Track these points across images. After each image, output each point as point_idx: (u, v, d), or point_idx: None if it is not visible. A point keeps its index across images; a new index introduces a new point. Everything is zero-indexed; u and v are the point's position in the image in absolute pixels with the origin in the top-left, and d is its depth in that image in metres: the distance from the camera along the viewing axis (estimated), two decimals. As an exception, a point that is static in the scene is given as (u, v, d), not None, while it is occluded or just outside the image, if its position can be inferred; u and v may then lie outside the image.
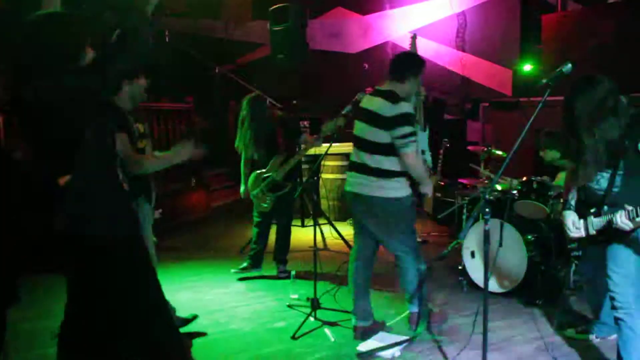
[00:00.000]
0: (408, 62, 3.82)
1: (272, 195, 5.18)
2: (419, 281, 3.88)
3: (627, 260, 3.02)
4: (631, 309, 3.00)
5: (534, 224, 4.67)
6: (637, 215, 2.71)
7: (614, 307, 3.06)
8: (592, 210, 3.07)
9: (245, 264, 5.42)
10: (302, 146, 5.18)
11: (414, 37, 4.59)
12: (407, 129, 3.57)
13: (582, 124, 2.91)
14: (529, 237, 4.55)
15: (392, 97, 3.64)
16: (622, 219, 2.78)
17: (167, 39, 8.54)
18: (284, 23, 7.06)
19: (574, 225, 3.13)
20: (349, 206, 4.07)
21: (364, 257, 4.04)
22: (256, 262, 5.42)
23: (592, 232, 3.05)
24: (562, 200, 3.43)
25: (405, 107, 3.61)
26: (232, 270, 5.38)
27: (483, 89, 8.52)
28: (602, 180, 3.03)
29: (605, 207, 2.98)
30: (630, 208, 2.75)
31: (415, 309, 3.99)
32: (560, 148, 4.61)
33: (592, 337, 3.74)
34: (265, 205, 5.22)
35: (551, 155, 4.75)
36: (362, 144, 3.77)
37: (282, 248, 5.41)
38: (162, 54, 8.14)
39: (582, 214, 3.13)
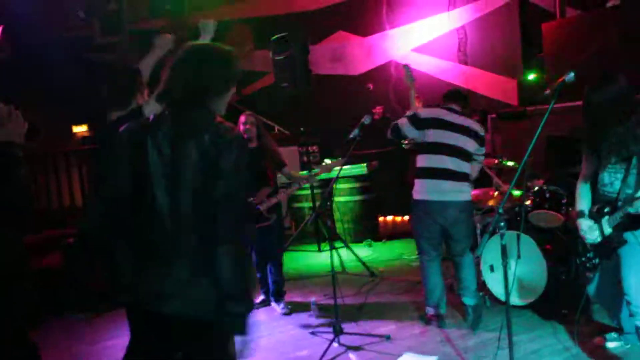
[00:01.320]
0: (466, 97, 4.54)
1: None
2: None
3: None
4: None
5: (551, 233, 4.64)
6: None
7: (631, 314, 3.01)
8: (606, 210, 3.07)
9: (261, 297, 5.37)
10: (288, 186, 5.13)
11: (406, 67, 4.86)
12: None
13: (605, 116, 2.97)
14: (547, 247, 4.52)
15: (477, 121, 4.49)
16: None
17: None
18: (286, 52, 7.14)
19: (590, 230, 3.13)
20: (432, 215, 4.27)
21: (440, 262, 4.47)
22: (267, 293, 5.33)
23: (608, 230, 3.04)
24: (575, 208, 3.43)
25: None
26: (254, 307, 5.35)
27: (488, 100, 8.52)
28: (615, 183, 3.03)
29: (619, 203, 2.98)
30: None
31: (477, 302, 4.35)
32: None
33: (618, 344, 3.69)
34: None
35: None
36: (458, 152, 4.21)
37: (278, 284, 5.22)
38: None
39: (596, 219, 3.13)
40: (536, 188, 4.78)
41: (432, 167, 4.19)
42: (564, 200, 4.46)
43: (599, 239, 3.14)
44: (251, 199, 5.00)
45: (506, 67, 8.20)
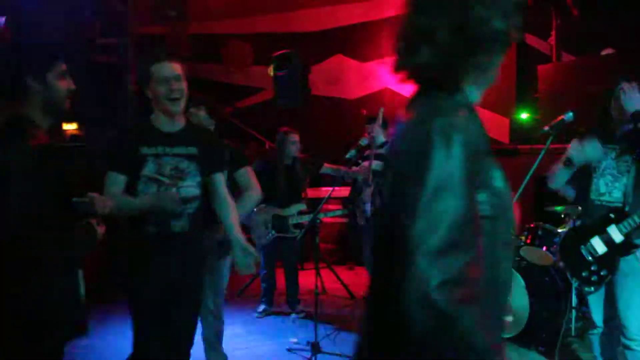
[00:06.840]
0: None
1: (274, 233, 5.30)
2: None
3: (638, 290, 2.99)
4: None
5: (538, 270, 4.67)
6: None
7: (626, 338, 2.98)
8: (612, 216, 3.05)
9: (262, 307, 5.50)
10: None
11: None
12: None
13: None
14: (532, 283, 4.55)
15: None
16: None
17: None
18: (287, 68, 7.20)
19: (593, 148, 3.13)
20: None
21: None
22: (269, 302, 5.53)
23: (620, 238, 3.02)
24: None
25: None
26: (255, 315, 5.46)
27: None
28: (614, 192, 3.05)
29: (627, 208, 2.99)
30: None
31: None
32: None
33: None
34: (266, 239, 5.33)
35: None
36: None
37: (294, 293, 5.53)
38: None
39: (601, 230, 3.10)
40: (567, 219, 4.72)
41: None
42: (556, 239, 4.48)
43: (605, 250, 3.08)
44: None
45: (500, 105, 8.33)
